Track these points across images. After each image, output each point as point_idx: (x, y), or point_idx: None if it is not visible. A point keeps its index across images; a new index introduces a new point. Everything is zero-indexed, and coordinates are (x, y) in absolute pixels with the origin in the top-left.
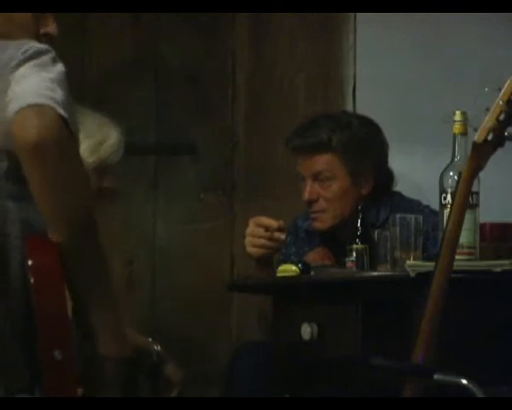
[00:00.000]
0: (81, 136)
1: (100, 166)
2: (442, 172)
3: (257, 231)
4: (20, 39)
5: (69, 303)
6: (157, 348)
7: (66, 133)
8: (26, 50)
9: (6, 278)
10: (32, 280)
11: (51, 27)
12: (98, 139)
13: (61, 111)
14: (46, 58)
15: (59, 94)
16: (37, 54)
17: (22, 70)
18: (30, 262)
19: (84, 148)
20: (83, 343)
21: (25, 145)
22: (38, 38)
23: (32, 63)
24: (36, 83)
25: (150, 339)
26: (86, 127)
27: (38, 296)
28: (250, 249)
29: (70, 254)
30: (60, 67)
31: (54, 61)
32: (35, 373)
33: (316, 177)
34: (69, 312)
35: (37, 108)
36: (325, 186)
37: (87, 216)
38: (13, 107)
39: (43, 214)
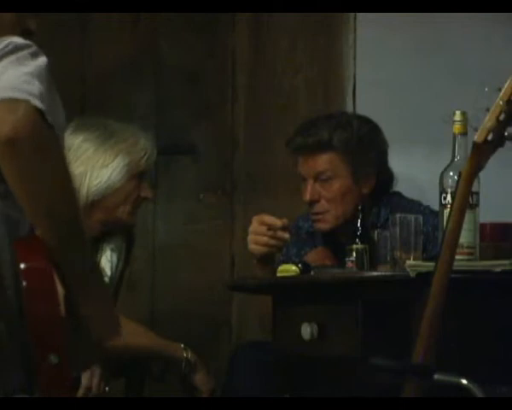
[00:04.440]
0: (114, 142)
1: (136, 172)
2: (442, 172)
3: (260, 229)
4: (1, 36)
5: (61, 298)
6: (188, 355)
7: (42, 126)
8: (5, 46)
9: None
10: (24, 284)
11: (31, 23)
12: (131, 142)
13: (38, 103)
14: (25, 53)
15: (36, 87)
16: (17, 49)
17: (0, 66)
18: (22, 266)
19: (118, 152)
20: (78, 337)
21: None
22: (20, 34)
23: (10, 58)
24: (12, 77)
25: (182, 345)
26: (117, 134)
27: (31, 301)
28: (252, 247)
29: (55, 247)
30: (40, 61)
31: (34, 55)
32: (32, 373)
33: (317, 177)
34: (62, 310)
35: (10, 102)
36: (326, 186)
37: (69, 209)
38: None
39: (23, 209)
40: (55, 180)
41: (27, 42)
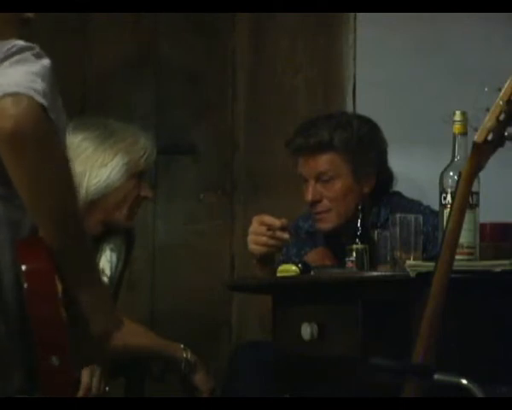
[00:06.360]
0: (113, 142)
1: (136, 172)
2: (442, 172)
3: (259, 230)
4: (3, 35)
5: (61, 295)
6: (187, 355)
7: (45, 121)
8: (10, 48)
9: None
10: (25, 285)
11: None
12: (130, 142)
13: (40, 99)
14: (28, 54)
15: (39, 84)
16: (20, 50)
17: (4, 66)
18: (23, 268)
19: (118, 151)
20: (78, 334)
21: (1, 134)
22: (19, 23)
23: (14, 59)
24: (15, 75)
25: (182, 346)
26: (117, 134)
27: (33, 302)
28: (252, 247)
29: (56, 244)
30: (44, 61)
31: (37, 56)
32: (33, 374)
33: (318, 177)
34: (63, 311)
35: (14, 96)
36: (328, 186)
37: (70, 205)
38: None
39: (25, 205)
40: (57, 174)
41: (30, 44)
